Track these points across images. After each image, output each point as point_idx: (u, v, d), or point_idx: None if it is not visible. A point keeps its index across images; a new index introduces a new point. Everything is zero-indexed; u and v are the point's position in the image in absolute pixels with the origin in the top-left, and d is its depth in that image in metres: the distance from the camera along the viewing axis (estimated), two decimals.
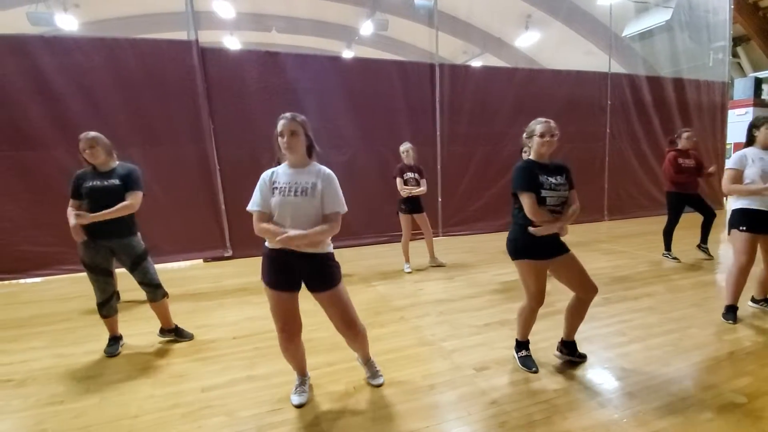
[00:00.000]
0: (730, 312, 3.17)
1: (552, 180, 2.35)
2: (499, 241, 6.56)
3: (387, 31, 12.81)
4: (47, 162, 5.02)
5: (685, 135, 4.90)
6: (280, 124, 2.05)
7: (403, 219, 4.83)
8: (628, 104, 8.32)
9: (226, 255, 5.82)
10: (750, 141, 3.10)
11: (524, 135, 2.50)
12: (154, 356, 2.87)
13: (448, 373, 2.51)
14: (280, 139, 2.06)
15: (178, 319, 3.18)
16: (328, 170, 2.12)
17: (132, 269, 2.84)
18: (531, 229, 2.35)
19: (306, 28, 13.04)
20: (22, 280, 4.97)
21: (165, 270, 3.17)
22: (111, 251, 2.78)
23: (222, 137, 5.72)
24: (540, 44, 13.14)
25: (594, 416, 2.05)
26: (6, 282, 4.91)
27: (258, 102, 5.83)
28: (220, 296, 4.18)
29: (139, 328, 3.35)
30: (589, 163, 7.97)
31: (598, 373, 2.48)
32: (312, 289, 2.12)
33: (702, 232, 5.02)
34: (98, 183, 2.70)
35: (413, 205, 4.79)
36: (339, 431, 1.99)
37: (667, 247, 5.11)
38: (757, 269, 3.20)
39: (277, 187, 2.04)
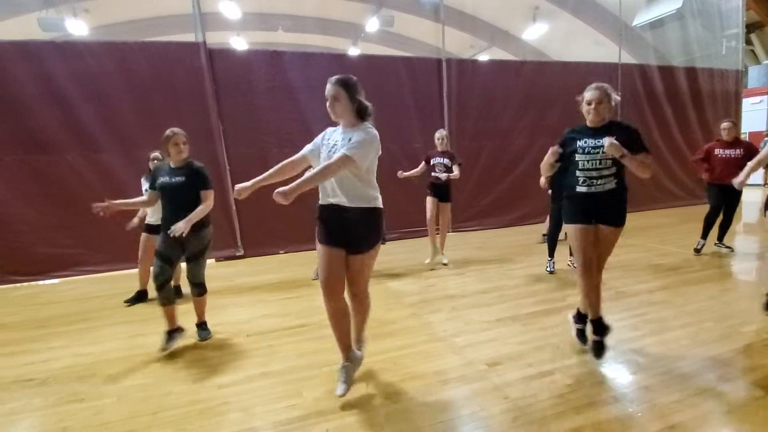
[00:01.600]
0: None
1: (591, 143, 2.39)
2: (510, 236, 6.55)
3: (393, 27, 12.76)
4: (61, 165, 5.12)
5: (722, 126, 4.83)
6: (326, 89, 2.12)
7: (429, 200, 4.90)
8: (639, 95, 8.19)
9: (237, 254, 5.87)
10: None
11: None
12: (170, 354, 2.91)
13: (460, 368, 2.51)
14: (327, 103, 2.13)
15: (193, 319, 3.23)
16: (368, 129, 2.13)
17: (188, 260, 3.01)
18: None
19: (312, 26, 13.04)
20: (41, 282, 5.08)
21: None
22: (181, 244, 2.92)
23: (231, 137, 5.78)
24: (548, 36, 12.96)
25: (609, 411, 2.04)
26: (25, 284, 5.03)
27: (266, 101, 5.87)
28: (233, 295, 4.23)
29: (157, 327, 3.41)
30: None
31: (612, 368, 2.46)
32: (350, 250, 2.18)
33: (719, 230, 4.94)
34: (167, 179, 2.90)
35: (439, 192, 4.84)
36: (351, 427, 2.01)
37: (703, 234, 4.94)
38: None
39: (324, 144, 2.16)
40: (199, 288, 3.11)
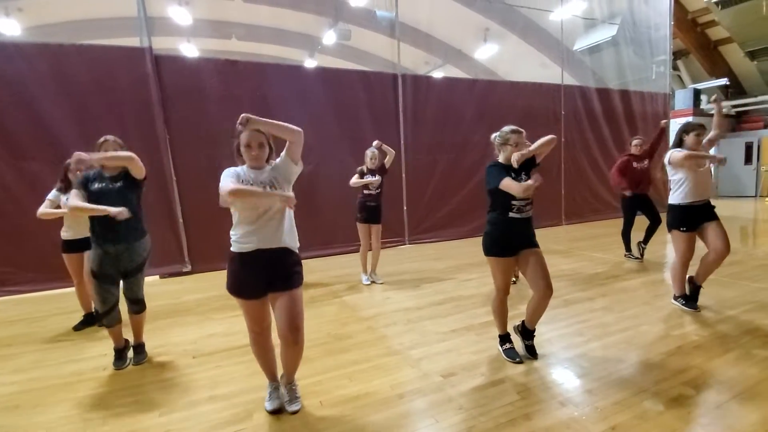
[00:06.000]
0: (690, 300, 3.49)
1: (519, 180, 2.52)
2: (466, 247, 6.71)
3: (350, 41, 12.86)
4: None
5: (634, 143, 5.27)
6: (247, 136, 2.03)
7: (361, 228, 4.71)
8: (580, 114, 8.76)
9: (184, 270, 5.58)
10: (679, 143, 3.42)
11: (497, 140, 2.64)
12: (104, 383, 2.69)
13: (416, 381, 2.51)
14: (246, 149, 2.05)
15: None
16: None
17: (126, 276, 2.78)
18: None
19: (267, 36, 12.86)
20: None
21: None
22: (117, 258, 2.71)
23: (178, 146, 5.53)
24: (498, 56, 13.61)
25: (556, 415, 2.11)
26: None
27: (217, 110, 5.67)
28: (178, 314, 4.00)
29: (90, 352, 3.15)
30: (546, 170, 8.30)
31: (559, 373, 2.56)
32: (275, 288, 2.09)
33: (646, 233, 5.32)
34: (104, 185, 2.68)
35: (370, 214, 4.67)
36: None
37: (627, 248, 5.41)
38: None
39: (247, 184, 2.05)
40: (139, 305, 2.91)
